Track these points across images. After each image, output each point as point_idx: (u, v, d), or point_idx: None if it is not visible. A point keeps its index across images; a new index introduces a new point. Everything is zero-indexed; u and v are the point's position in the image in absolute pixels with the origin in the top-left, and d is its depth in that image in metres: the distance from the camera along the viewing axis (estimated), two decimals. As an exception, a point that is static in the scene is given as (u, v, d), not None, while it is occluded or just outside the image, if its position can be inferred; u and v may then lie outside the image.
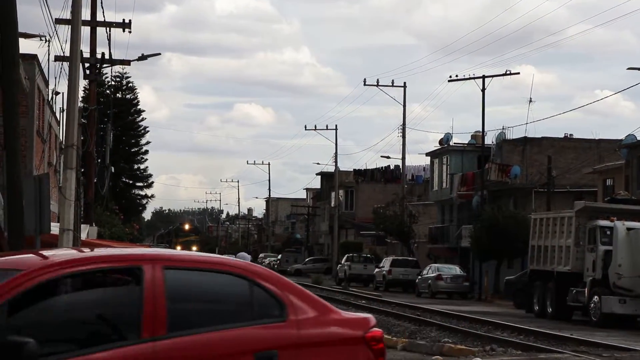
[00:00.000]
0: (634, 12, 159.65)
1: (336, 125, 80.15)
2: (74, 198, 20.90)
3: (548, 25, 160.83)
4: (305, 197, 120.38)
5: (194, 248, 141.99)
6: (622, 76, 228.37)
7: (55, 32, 51.56)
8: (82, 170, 27.62)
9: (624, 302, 30.18)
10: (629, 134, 47.89)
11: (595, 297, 30.74)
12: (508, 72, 54.67)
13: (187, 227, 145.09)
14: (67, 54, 22.29)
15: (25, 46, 58.65)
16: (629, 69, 39.25)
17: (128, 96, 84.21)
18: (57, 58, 29.52)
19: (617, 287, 30.36)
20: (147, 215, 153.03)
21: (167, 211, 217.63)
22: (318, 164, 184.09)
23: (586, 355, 17.64)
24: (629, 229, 30.57)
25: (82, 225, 23.86)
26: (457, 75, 55.95)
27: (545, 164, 52.08)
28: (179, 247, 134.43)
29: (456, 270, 52.17)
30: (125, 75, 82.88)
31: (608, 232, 31.19)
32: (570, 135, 61.23)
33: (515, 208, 53.71)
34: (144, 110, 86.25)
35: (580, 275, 32.21)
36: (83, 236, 23.13)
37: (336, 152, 79.34)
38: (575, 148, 59.16)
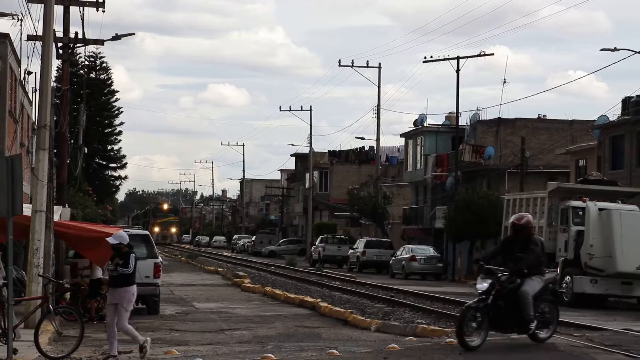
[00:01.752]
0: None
1: (311, 106, 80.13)
2: (47, 179, 20.78)
3: (522, 6, 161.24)
4: (279, 178, 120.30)
5: (173, 229, 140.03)
6: (595, 57, 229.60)
7: (27, 11, 51.14)
8: (55, 151, 27.42)
9: (595, 282, 30.45)
10: (601, 115, 48.15)
11: (567, 277, 30.96)
12: (482, 53, 54.83)
13: (165, 207, 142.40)
14: (40, 33, 22.08)
15: (-3, 26, 58.00)
16: (602, 50, 39.32)
17: (102, 76, 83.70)
18: (30, 37, 29.24)
19: (588, 267, 30.61)
20: (120, 196, 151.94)
21: (140, 192, 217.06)
22: (292, 145, 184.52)
23: (557, 335, 17.77)
24: (600, 210, 30.80)
25: (55, 207, 23.71)
26: (431, 56, 56.11)
27: (519, 144, 52.32)
28: (156, 228, 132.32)
29: (430, 251, 52.38)
30: (99, 55, 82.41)
31: (580, 213, 31.41)
32: (544, 116, 61.54)
33: (489, 189, 53.96)
34: (117, 91, 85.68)
35: (553, 255, 32.42)
36: (56, 218, 23.00)
37: (310, 133, 79.38)
38: (549, 129, 59.46)
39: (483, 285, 15.11)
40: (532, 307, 15.10)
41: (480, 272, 15.46)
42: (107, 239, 16.26)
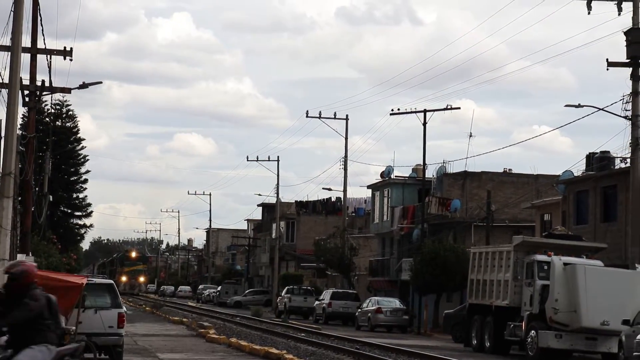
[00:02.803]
0: (571, 50, 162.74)
1: (278, 157, 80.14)
2: (11, 227, 20.58)
3: (488, 61, 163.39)
4: (246, 228, 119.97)
5: (142, 278, 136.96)
6: (559, 112, 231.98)
7: (-6, 59, 50.86)
8: (19, 199, 27.23)
9: (560, 336, 30.48)
10: (565, 170, 48.55)
11: (532, 331, 30.99)
12: (449, 107, 55.28)
13: (133, 254, 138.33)
14: (6, 80, 21.99)
15: (-36, 72, 57.66)
16: (566, 105, 39.73)
17: (68, 124, 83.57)
18: (-4, 85, 29.08)
19: (553, 322, 30.65)
20: (85, 245, 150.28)
21: (105, 241, 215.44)
22: (259, 195, 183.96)
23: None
24: (565, 264, 30.93)
25: (18, 255, 23.46)
26: (398, 109, 56.50)
27: (485, 198, 52.61)
28: (124, 278, 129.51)
29: (396, 303, 52.26)
30: (65, 103, 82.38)
31: (545, 267, 31.52)
32: (509, 170, 62.02)
33: (455, 242, 54.09)
34: (83, 139, 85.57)
35: (518, 309, 32.47)
36: (18, 266, 22.70)
37: (278, 184, 79.38)
38: (514, 183, 59.90)
39: None
40: None
41: None
42: None
